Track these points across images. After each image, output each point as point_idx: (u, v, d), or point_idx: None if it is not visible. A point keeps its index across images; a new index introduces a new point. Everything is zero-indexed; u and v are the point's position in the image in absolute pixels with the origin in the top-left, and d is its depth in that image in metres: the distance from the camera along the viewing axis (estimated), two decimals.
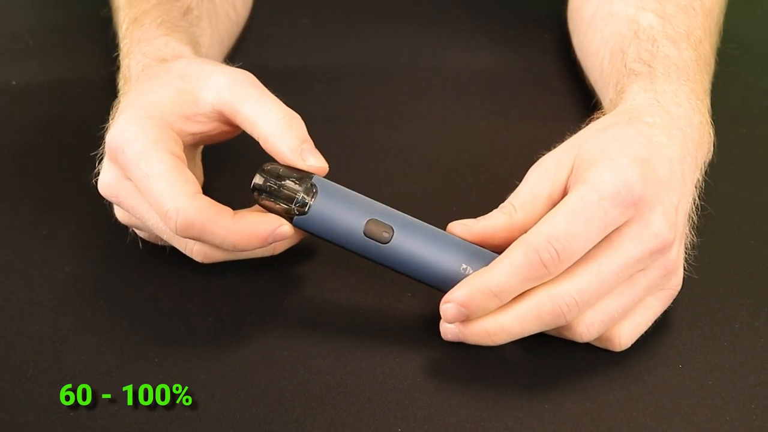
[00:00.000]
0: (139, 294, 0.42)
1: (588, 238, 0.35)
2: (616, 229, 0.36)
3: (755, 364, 0.39)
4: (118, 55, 0.49)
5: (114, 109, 0.42)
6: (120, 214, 0.42)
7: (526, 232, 0.37)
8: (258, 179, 0.39)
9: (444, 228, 0.39)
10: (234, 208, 0.42)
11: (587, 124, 0.40)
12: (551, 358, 0.39)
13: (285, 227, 0.38)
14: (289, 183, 0.38)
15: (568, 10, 0.60)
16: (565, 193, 0.38)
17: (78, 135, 0.52)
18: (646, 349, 0.39)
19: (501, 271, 0.35)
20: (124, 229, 0.43)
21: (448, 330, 0.38)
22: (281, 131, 0.38)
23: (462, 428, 0.36)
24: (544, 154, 0.40)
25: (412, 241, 0.38)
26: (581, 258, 0.35)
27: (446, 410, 0.37)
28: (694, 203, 0.40)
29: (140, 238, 0.44)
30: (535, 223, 0.37)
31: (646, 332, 0.38)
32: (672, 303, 0.39)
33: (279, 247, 0.42)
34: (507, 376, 0.38)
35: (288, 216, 0.38)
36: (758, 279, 0.43)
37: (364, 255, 0.38)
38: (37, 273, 0.43)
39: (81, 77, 0.58)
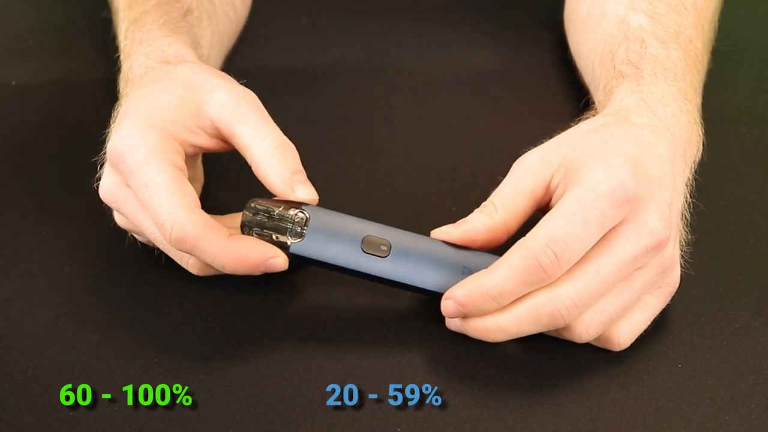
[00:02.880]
0: (139, 294, 0.42)
1: (586, 239, 0.35)
2: (612, 228, 0.36)
3: (755, 363, 0.39)
4: (118, 56, 0.49)
5: (115, 112, 0.42)
6: (119, 219, 0.42)
7: (507, 230, 0.38)
8: (245, 216, 0.38)
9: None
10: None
11: (575, 124, 0.41)
12: (551, 358, 0.39)
13: (279, 259, 0.37)
14: (278, 216, 0.38)
15: (565, 11, 0.60)
16: (548, 190, 0.38)
17: (78, 135, 0.52)
18: (646, 348, 0.39)
19: (499, 275, 0.35)
20: (123, 230, 0.43)
21: (451, 322, 0.38)
22: (274, 161, 0.38)
23: (462, 428, 0.36)
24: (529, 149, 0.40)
25: (410, 250, 0.38)
26: (579, 259, 0.35)
27: (446, 410, 0.37)
28: (686, 201, 0.40)
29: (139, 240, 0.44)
30: (517, 220, 0.38)
31: (645, 332, 0.39)
32: (671, 302, 0.39)
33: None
34: (507, 376, 0.38)
35: (283, 246, 0.38)
36: (758, 278, 0.43)
37: (365, 272, 0.38)
38: (37, 273, 0.43)
39: (81, 77, 0.58)
